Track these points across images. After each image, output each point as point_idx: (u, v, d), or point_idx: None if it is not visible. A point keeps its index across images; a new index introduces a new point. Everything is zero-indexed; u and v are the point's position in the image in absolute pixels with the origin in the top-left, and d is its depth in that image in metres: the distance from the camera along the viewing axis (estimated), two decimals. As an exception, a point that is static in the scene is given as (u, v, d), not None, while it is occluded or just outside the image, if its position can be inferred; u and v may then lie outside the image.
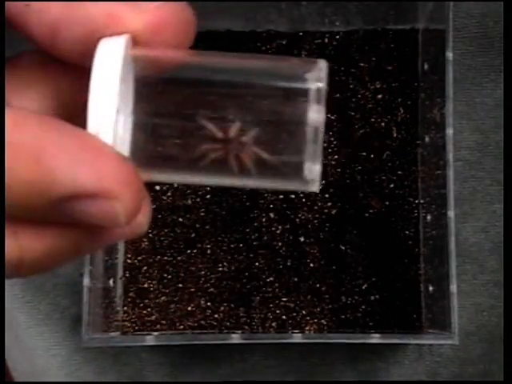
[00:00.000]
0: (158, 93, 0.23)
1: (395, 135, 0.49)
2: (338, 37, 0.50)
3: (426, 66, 0.49)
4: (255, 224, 0.49)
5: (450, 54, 0.45)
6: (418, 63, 0.50)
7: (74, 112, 0.23)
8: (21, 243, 0.22)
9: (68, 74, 0.23)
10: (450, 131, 0.44)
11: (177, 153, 0.22)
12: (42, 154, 0.20)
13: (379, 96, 0.50)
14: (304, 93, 0.22)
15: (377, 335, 0.44)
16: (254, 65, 0.23)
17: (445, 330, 0.44)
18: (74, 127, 0.21)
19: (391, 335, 0.46)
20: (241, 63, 0.23)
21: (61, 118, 0.22)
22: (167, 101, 0.22)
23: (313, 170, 0.22)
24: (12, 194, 0.21)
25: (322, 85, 0.22)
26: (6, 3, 0.22)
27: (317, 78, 0.22)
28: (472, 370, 0.50)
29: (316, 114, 0.22)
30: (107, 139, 0.21)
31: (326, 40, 0.50)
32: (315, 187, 0.22)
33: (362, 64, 0.50)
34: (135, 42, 0.23)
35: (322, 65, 0.22)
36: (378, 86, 0.50)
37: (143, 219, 0.23)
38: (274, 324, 0.48)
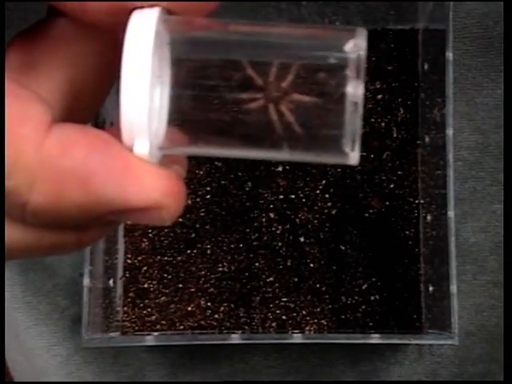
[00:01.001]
0: (194, 56, 0.22)
1: (395, 135, 0.49)
2: (338, 37, 0.50)
3: (426, 66, 0.49)
4: (255, 224, 0.49)
5: (450, 54, 0.44)
6: (418, 63, 0.50)
7: (99, 77, 0.23)
8: (78, 233, 0.23)
9: (89, 41, 0.23)
10: (450, 131, 0.44)
11: (218, 113, 0.22)
12: (91, 178, 0.21)
13: (379, 96, 0.50)
14: (343, 65, 0.21)
15: (377, 335, 0.44)
16: (293, 33, 0.23)
17: (445, 330, 0.44)
18: (117, 144, 0.22)
19: (391, 335, 0.46)
20: (281, 31, 0.23)
21: (87, 84, 0.23)
22: (205, 62, 0.22)
23: (353, 144, 0.22)
24: (62, 215, 0.21)
25: (361, 54, 0.22)
26: None
27: (356, 48, 0.22)
28: (472, 370, 0.50)
29: (355, 88, 0.21)
30: (143, 154, 0.22)
31: (326, 40, 0.50)
32: (354, 160, 0.22)
33: (362, 64, 0.50)
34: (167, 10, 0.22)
35: (362, 33, 0.22)
36: (378, 86, 0.50)
37: (180, 170, 0.24)
38: (274, 324, 0.48)
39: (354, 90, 0.21)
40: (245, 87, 0.22)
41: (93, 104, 0.25)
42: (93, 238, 0.24)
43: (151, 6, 0.22)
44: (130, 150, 0.22)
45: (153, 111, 0.21)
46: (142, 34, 0.21)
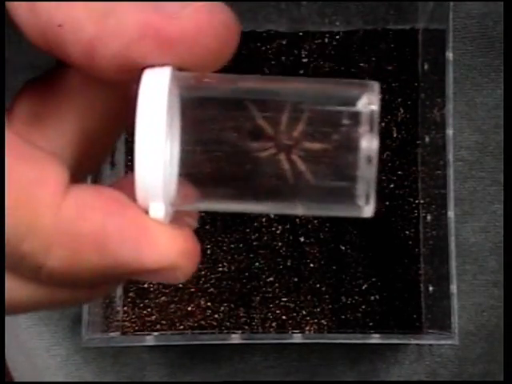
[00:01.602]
0: (204, 110, 0.22)
1: (395, 135, 0.49)
2: (338, 37, 0.50)
3: (426, 66, 0.49)
4: (255, 224, 0.49)
5: (450, 54, 0.44)
6: (418, 63, 0.50)
7: (114, 123, 0.23)
8: (91, 290, 0.23)
9: (103, 88, 0.23)
10: (450, 131, 0.44)
11: (229, 165, 0.22)
12: (107, 242, 0.21)
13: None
14: (356, 118, 0.21)
15: (377, 335, 0.44)
16: (304, 87, 0.23)
17: (445, 330, 0.44)
18: (132, 205, 0.22)
19: (391, 335, 0.46)
20: (291, 85, 0.23)
21: (101, 131, 0.23)
22: (214, 116, 0.22)
23: (367, 197, 0.22)
24: (76, 277, 0.22)
25: (375, 108, 0.22)
26: (41, 29, 0.21)
27: (370, 101, 0.22)
28: (472, 370, 0.50)
29: (369, 142, 0.21)
30: (159, 215, 0.22)
31: (326, 40, 0.50)
32: (368, 213, 0.22)
33: (362, 64, 0.50)
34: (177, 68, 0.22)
35: (375, 87, 0.22)
36: (378, 86, 0.50)
37: (192, 221, 0.25)
38: (274, 324, 0.48)
39: (368, 144, 0.21)
40: (255, 137, 0.22)
41: (103, 152, 0.25)
42: (104, 292, 0.24)
43: (162, 66, 0.21)
44: (145, 209, 0.22)
45: (166, 170, 0.21)
46: (156, 100, 0.21)
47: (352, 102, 0.22)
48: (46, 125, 0.23)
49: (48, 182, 0.21)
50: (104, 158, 0.25)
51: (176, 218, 0.23)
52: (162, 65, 0.21)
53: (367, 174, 0.22)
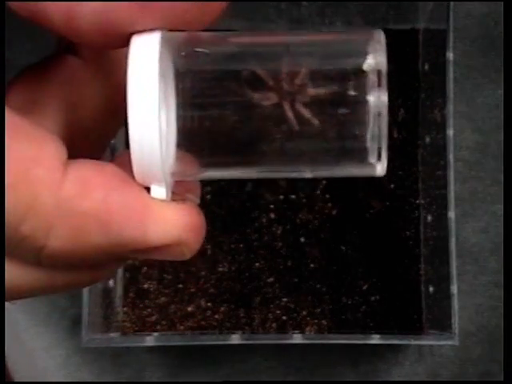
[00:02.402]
0: (199, 70, 0.21)
1: (396, 135, 0.49)
2: (338, 37, 0.50)
3: (426, 67, 0.49)
4: (255, 224, 0.49)
5: (450, 55, 0.44)
6: (418, 63, 0.50)
7: (105, 114, 0.23)
8: (93, 272, 0.23)
9: (95, 78, 0.23)
10: (450, 131, 0.44)
11: (230, 123, 0.21)
12: (111, 219, 0.21)
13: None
14: (363, 73, 0.20)
15: (377, 336, 0.44)
16: (307, 41, 0.22)
17: (445, 331, 0.44)
18: (133, 182, 0.21)
19: (392, 336, 0.46)
20: (292, 39, 0.22)
21: (92, 122, 0.22)
22: (211, 74, 0.21)
23: (378, 154, 0.21)
24: (81, 257, 0.21)
25: (381, 61, 0.20)
26: None
27: (377, 53, 0.20)
28: (472, 370, 0.50)
29: (378, 97, 0.20)
30: (161, 197, 0.21)
31: (327, 40, 0.50)
32: (381, 171, 0.21)
33: (362, 64, 0.50)
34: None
35: (380, 37, 0.21)
36: (379, 86, 0.49)
37: (194, 198, 0.24)
38: (274, 324, 0.48)
39: (377, 98, 0.21)
40: (256, 89, 0.21)
41: (102, 140, 0.24)
42: (107, 274, 0.24)
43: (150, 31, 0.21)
44: (145, 187, 0.21)
45: (163, 144, 0.20)
46: (146, 67, 0.20)
47: (358, 55, 0.21)
48: (41, 113, 0.22)
49: (45, 160, 0.20)
50: (105, 144, 0.25)
51: (178, 193, 0.22)
52: (151, 30, 0.21)
53: (377, 129, 0.21)
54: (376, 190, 0.49)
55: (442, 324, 0.44)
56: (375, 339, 0.44)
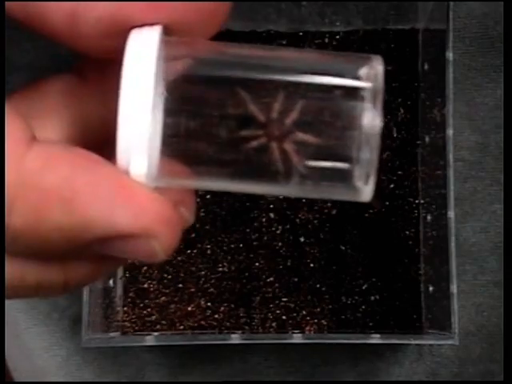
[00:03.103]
0: (192, 83, 0.20)
1: (395, 135, 0.49)
2: (338, 37, 0.50)
3: (426, 66, 0.49)
4: (255, 224, 0.49)
5: (450, 54, 0.44)
6: (418, 63, 0.50)
7: (100, 139, 0.22)
8: (65, 268, 0.21)
9: (95, 99, 0.22)
10: (450, 131, 0.44)
11: (215, 146, 0.20)
12: (75, 197, 0.19)
13: (379, 96, 0.49)
14: (358, 93, 0.20)
15: (377, 335, 0.44)
16: (303, 55, 0.21)
17: (445, 331, 0.44)
18: (106, 163, 0.20)
19: (391, 335, 0.46)
20: (288, 53, 0.21)
21: (86, 145, 0.21)
22: (203, 88, 0.20)
23: (366, 180, 0.20)
24: (43, 239, 0.20)
25: (378, 84, 0.20)
26: (20, 3, 0.20)
27: (372, 76, 0.20)
28: (472, 370, 0.50)
29: (371, 119, 0.20)
30: (139, 175, 0.20)
31: (326, 40, 0.50)
32: (367, 197, 0.21)
33: (362, 64, 0.50)
34: (165, 29, 0.20)
35: (377, 61, 0.20)
36: (378, 86, 0.49)
37: (187, 213, 0.23)
38: (274, 324, 0.48)
39: (371, 121, 0.20)
40: (245, 122, 0.20)
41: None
42: (80, 278, 0.22)
43: (151, 25, 0.20)
44: (124, 171, 0.20)
45: (150, 129, 0.20)
46: (143, 57, 0.19)
47: (353, 73, 0.20)
48: (39, 125, 0.21)
49: (9, 134, 0.19)
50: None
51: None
52: (151, 24, 0.20)
53: (367, 154, 0.20)
54: (376, 190, 0.49)
55: (442, 323, 0.44)
56: (375, 339, 0.44)
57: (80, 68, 0.23)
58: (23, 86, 0.22)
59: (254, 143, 0.20)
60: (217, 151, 0.20)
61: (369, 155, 0.20)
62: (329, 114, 0.20)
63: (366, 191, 0.21)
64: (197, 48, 0.21)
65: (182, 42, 0.21)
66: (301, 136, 0.20)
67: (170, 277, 0.49)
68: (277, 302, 0.48)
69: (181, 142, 0.20)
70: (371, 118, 0.20)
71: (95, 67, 0.23)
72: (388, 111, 0.49)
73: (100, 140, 0.22)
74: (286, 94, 0.20)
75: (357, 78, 0.20)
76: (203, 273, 0.49)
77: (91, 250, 0.20)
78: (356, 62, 0.20)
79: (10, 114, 0.20)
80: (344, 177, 0.20)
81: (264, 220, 0.49)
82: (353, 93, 0.20)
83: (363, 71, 0.20)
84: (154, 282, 0.49)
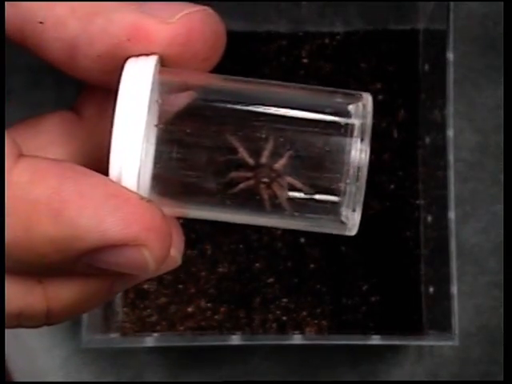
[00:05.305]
0: (185, 117, 0.21)
1: (396, 136, 0.49)
2: (338, 37, 0.50)
3: (426, 67, 0.49)
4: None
5: (450, 55, 0.44)
6: (418, 64, 0.50)
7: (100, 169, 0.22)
8: (47, 294, 0.21)
9: (89, 138, 0.22)
10: (450, 132, 0.44)
11: (204, 182, 0.21)
12: (63, 207, 0.19)
13: (380, 97, 0.49)
14: (346, 128, 0.20)
15: (377, 336, 0.44)
16: (292, 93, 0.21)
17: (445, 331, 0.44)
18: (95, 173, 0.20)
19: (392, 336, 0.46)
20: (277, 90, 0.21)
21: None
22: (195, 126, 0.20)
23: (351, 214, 0.20)
24: (34, 252, 0.19)
25: (367, 120, 0.20)
26: (19, 24, 0.20)
27: (360, 112, 0.20)
28: (473, 370, 0.50)
29: (359, 153, 0.20)
30: (130, 184, 0.20)
31: (326, 40, 0.50)
32: (353, 232, 0.21)
33: (362, 65, 0.50)
34: (161, 59, 0.21)
35: (367, 99, 0.21)
36: (379, 87, 0.49)
37: (176, 253, 0.23)
38: (274, 325, 0.48)
39: (359, 154, 0.20)
40: (235, 165, 0.20)
41: None
42: (63, 304, 0.21)
43: (147, 55, 0.20)
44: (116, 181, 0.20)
45: (141, 177, 0.20)
46: (138, 82, 0.20)
47: (342, 108, 0.20)
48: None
49: None
50: None
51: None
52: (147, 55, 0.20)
53: (354, 187, 0.20)
54: (376, 191, 0.49)
55: (442, 324, 0.44)
56: (375, 340, 0.44)
57: (77, 105, 0.23)
58: (20, 121, 0.22)
59: (242, 186, 0.20)
60: (205, 184, 0.21)
61: (356, 189, 0.20)
62: (318, 150, 0.20)
63: (352, 224, 0.21)
64: (191, 79, 0.21)
65: (178, 72, 0.21)
66: (289, 180, 0.20)
67: (169, 277, 0.49)
68: (277, 302, 0.48)
69: (170, 170, 0.21)
70: (359, 153, 0.20)
71: (91, 105, 0.23)
72: (388, 112, 0.49)
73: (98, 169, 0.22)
74: (276, 135, 0.20)
75: (346, 114, 0.20)
76: (203, 273, 0.49)
77: (82, 264, 0.20)
78: (345, 98, 0.21)
79: None
80: (331, 210, 0.21)
81: (264, 221, 0.49)
82: (342, 128, 0.20)
83: (352, 107, 0.20)
84: (154, 283, 0.49)
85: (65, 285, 0.21)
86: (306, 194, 0.20)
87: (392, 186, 0.49)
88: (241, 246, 0.49)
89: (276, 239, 0.49)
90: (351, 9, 0.49)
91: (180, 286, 0.49)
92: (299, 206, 0.21)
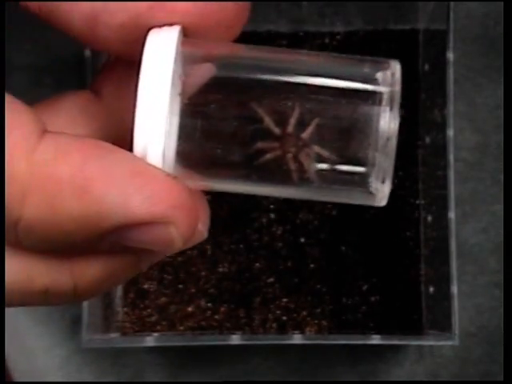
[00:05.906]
0: (209, 88, 0.20)
1: (396, 136, 0.49)
2: (338, 37, 0.50)
3: (426, 67, 0.49)
4: (255, 225, 0.49)
5: (450, 55, 0.44)
6: (418, 64, 0.50)
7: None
8: (73, 271, 0.21)
9: (109, 117, 0.22)
10: (450, 132, 0.44)
11: (229, 154, 0.20)
12: (88, 185, 0.19)
13: (380, 96, 0.49)
14: (375, 96, 0.20)
15: (377, 336, 0.44)
16: (318, 61, 0.21)
17: (445, 331, 0.44)
18: (120, 150, 0.20)
19: (392, 336, 0.46)
20: (303, 58, 0.21)
21: None
22: (219, 97, 0.20)
23: (381, 185, 0.20)
24: (59, 230, 0.19)
25: (396, 88, 0.20)
26: None
27: (389, 79, 0.20)
28: (473, 370, 0.50)
29: (388, 122, 0.19)
30: (156, 160, 0.20)
31: (326, 40, 0.50)
32: (382, 203, 0.21)
33: (362, 64, 0.50)
34: (184, 30, 0.20)
35: (395, 67, 0.20)
36: (379, 87, 0.49)
37: (203, 227, 0.22)
38: (274, 325, 0.48)
39: (388, 123, 0.20)
40: (261, 135, 0.20)
41: None
42: (90, 282, 0.21)
43: (170, 25, 0.20)
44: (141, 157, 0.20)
45: (165, 151, 0.20)
46: (162, 53, 0.19)
47: (370, 76, 0.20)
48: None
49: (20, 126, 0.19)
50: None
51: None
52: (170, 25, 0.20)
53: (383, 157, 0.20)
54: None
55: (442, 324, 0.44)
56: (375, 339, 0.44)
57: (95, 85, 0.23)
58: (41, 101, 0.22)
59: (269, 156, 0.20)
60: (230, 156, 0.20)
61: (385, 159, 0.20)
62: (345, 119, 0.20)
63: (381, 195, 0.21)
64: (215, 50, 0.21)
65: (201, 43, 0.21)
66: (316, 149, 0.20)
67: (169, 277, 0.49)
68: (277, 302, 0.48)
69: (195, 148, 0.20)
70: (388, 122, 0.20)
71: (110, 84, 0.23)
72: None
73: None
74: (302, 104, 0.20)
75: (374, 81, 0.20)
76: (203, 273, 0.49)
77: (107, 241, 0.20)
78: (373, 66, 0.20)
79: (21, 108, 0.20)
80: (360, 181, 0.20)
81: (264, 220, 0.49)
82: (370, 97, 0.20)
83: (380, 75, 0.20)
84: (154, 283, 0.49)
85: (91, 262, 0.21)
86: (333, 164, 0.20)
87: (392, 186, 0.49)
88: (241, 245, 0.49)
89: (276, 239, 0.49)
90: (351, 9, 0.49)
91: (180, 286, 0.49)
92: (327, 177, 0.20)
